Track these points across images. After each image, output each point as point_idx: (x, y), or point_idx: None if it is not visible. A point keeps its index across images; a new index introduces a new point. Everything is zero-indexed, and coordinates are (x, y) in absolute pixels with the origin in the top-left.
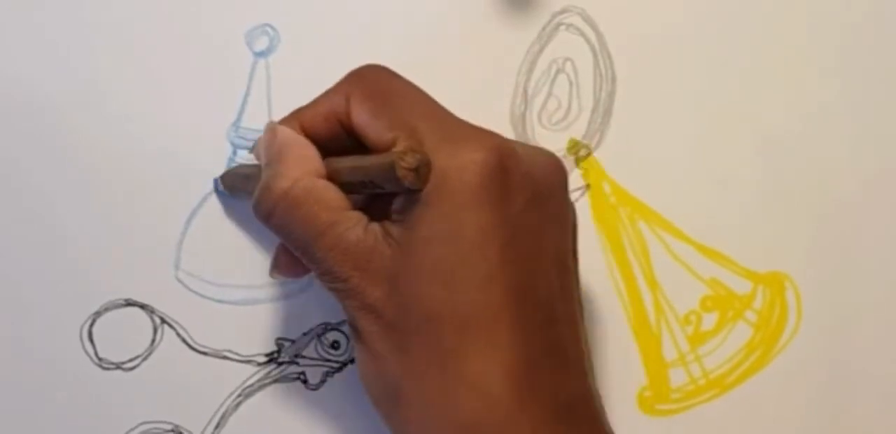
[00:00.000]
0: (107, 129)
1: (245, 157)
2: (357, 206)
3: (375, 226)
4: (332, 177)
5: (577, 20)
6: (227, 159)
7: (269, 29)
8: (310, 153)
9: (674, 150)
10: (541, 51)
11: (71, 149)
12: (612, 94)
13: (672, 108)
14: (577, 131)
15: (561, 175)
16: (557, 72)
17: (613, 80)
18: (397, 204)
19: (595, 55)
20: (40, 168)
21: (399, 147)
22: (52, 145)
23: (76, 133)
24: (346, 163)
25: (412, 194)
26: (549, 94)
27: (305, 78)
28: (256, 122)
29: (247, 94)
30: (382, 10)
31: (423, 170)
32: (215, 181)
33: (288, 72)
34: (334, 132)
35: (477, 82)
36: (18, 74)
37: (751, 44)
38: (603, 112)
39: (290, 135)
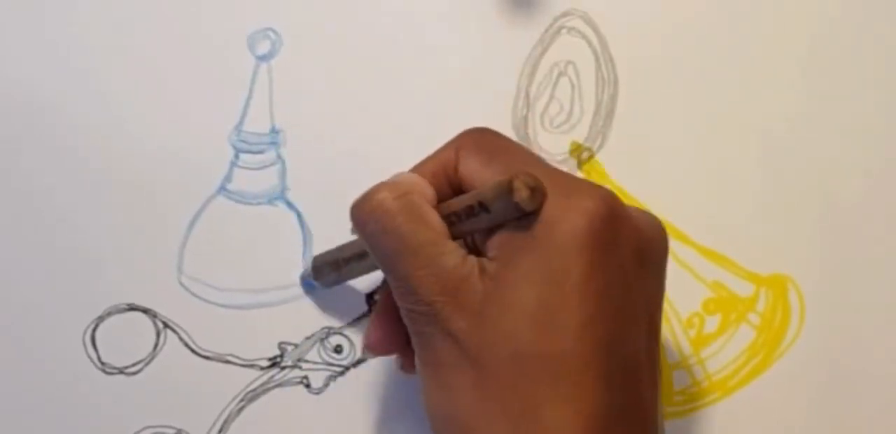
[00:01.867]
0: (109, 134)
1: (247, 161)
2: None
3: (473, 259)
4: (440, 211)
5: (578, 23)
6: (229, 163)
7: (271, 33)
8: (423, 182)
9: (676, 152)
10: (543, 54)
11: (73, 153)
12: (613, 97)
13: (674, 110)
14: (580, 134)
15: (665, 239)
16: (559, 75)
17: (615, 82)
18: (497, 240)
19: (597, 58)
20: (42, 172)
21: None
22: (54, 148)
23: (79, 137)
24: (456, 198)
25: (516, 232)
26: (552, 97)
27: (307, 82)
28: (258, 126)
29: (249, 98)
30: (384, 13)
31: (538, 191)
32: (304, 272)
33: (290, 75)
34: (442, 190)
35: (479, 85)
36: (21, 80)
37: (752, 46)
38: (605, 115)
39: (411, 175)
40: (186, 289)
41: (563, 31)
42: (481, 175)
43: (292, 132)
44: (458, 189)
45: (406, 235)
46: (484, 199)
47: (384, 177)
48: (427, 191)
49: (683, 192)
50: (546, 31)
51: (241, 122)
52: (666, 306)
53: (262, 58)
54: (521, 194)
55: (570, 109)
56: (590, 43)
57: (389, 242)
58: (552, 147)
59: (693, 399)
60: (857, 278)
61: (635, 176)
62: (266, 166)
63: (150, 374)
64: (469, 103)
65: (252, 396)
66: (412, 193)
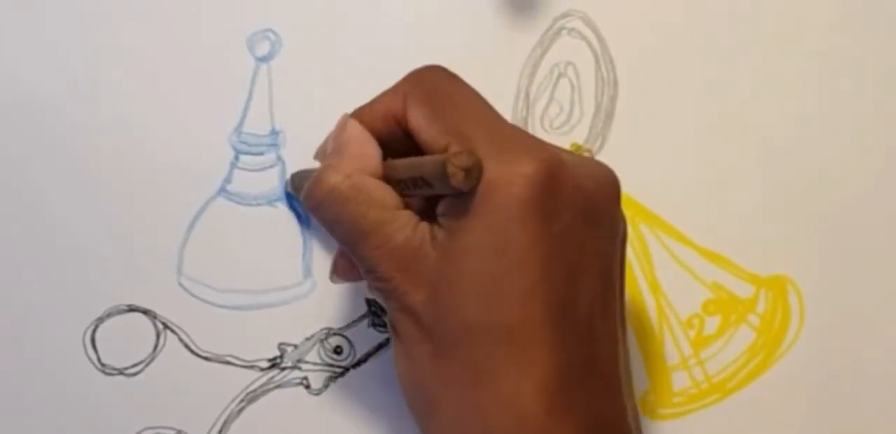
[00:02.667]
0: (109, 135)
1: (247, 163)
2: (411, 208)
3: (425, 227)
4: (387, 174)
5: (578, 24)
6: (229, 164)
7: (270, 34)
8: (369, 151)
9: (675, 153)
10: (542, 55)
11: (73, 154)
12: (613, 99)
13: (674, 111)
14: (579, 135)
15: (613, 188)
16: (559, 76)
17: (615, 84)
18: (443, 207)
19: (597, 59)
20: (42, 173)
21: (453, 149)
22: (54, 150)
23: (78, 139)
24: (402, 161)
25: (460, 200)
26: (551, 98)
27: (307, 82)
28: (258, 128)
29: (248, 99)
30: (384, 14)
31: (474, 171)
32: (284, 182)
33: (289, 77)
34: (392, 131)
35: (479, 86)
36: (20, 81)
37: (752, 47)
38: (605, 116)
39: (357, 131)
40: (186, 290)
41: (563, 32)
42: (427, 132)
43: (292, 133)
44: (408, 131)
45: (357, 219)
46: (424, 175)
47: None
48: (371, 161)
49: (683, 193)
50: (546, 32)
51: (241, 124)
52: (665, 307)
53: (262, 59)
54: (457, 177)
55: (570, 110)
56: (590, 44)
57: (343, 228)
58: None
59: (693, 400)
60: (856, 279)
61: (635, 177)
62: (266, 168)
63: (149, 375)
64: None
65: (252, 397)
66: (353, 175)
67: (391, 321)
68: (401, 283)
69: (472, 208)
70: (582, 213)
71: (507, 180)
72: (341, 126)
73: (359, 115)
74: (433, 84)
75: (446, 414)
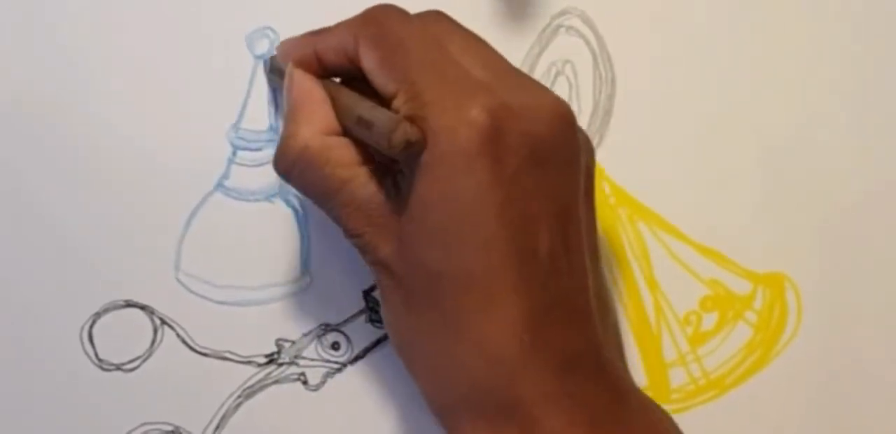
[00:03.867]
0: (108, 131)
1: (245, 158)
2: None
3: (388, 181)
4: (341, 113)
5: (576, 22)
6: (227, 160)
7: (269, 32)
8: (321, 109)
9: (673, 151)
10: (540, 53)
11: (71, 150)
12: (611, 96)
13: (671, 109)
14: None
15: (565, 124)
16: (557, 74)
17: (613, 82)
18: (401, 158)
19: (594, 57)
20: (39, 169)
21: (398, 101)
22: (52, 146)
23: (77, 134)
24: (352, 115)
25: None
26: None
27: None
28: (256, 124)
29: (247, 96)
30: None
31: (414, 144)
32: (265, 62)
33: None
34: (343, 64)
35: None
36: (18, 78)
37: (750, 45)
38: (602, 114)
39: (305, 87)
40: (184, 285)
41: (561, 30)
42: (377, 76)
43: None
44: (360, 67)
45: (323, 181)
46: (374, 139)
47: None
48: (326, 120)
49: (681, 190)
50: (544, 30)
51: (239, 120)
52: (663, 304)
53: (261, 56)
54: (399, 150)
55: None
56: (588, 42)
57: (314, 191)
58: None
59: (690, 396)
60: (854, 276)
61: (633, 175)
62: (264, 163)
63: (147, 370)
64: None
65: (249, 393)
66: (313, 139)
67: (374, 274)
68: (371, 237)
69: (422, 160)
70: (531, 156)
71: (452, 130)
72: (289, 79)
73: (311, 43)
74: (386, 26)
75: (422, 360)
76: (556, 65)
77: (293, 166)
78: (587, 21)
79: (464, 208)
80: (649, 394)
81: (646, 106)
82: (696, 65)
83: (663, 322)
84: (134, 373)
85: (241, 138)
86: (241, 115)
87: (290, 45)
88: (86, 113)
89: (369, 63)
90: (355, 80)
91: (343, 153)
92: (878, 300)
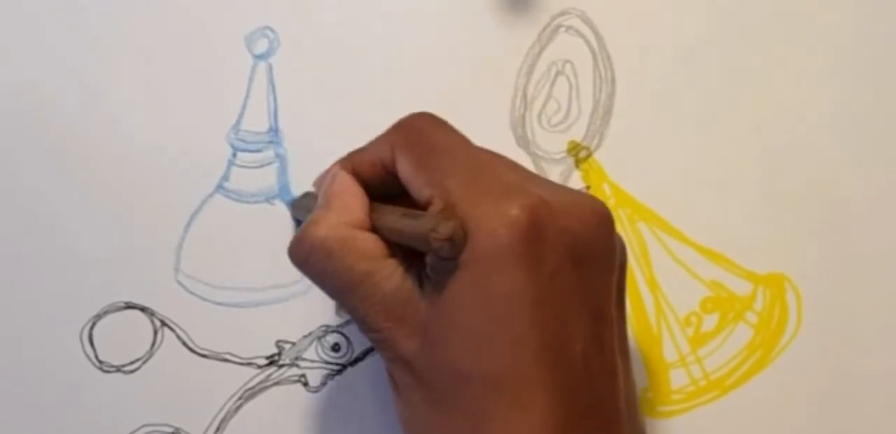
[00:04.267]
0: (107, 132)
1: (245, 160)
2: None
3: (413, 274)
4: (376, 224)
5: (576, 22)
6: (227, 161)
7: (268, 32)
8: (355, 203)
9: (673, 151)
10: (540, 53)
11: (71, 151)
12: (611, 96)
13: (671, 109)
14: (577, 133)
15: (604, 224)
16: (557, 74)
17: (613, 81)
18: (430, 260)
19: (594, 57)
20: (39, 171)
21: (435, 206)
22: (52, 148)
23: (77, 136)
24: (389, 219)
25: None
26: (549, 96)
27: (305, 80)
28: (256, 125)
29: (247, 97)
30: (382, 12)
31: (457, 240)
32: (288, 203)
33: (288, 74)
34: (382, 178)
35: (476, 84)
36: (17, 79)
37: (750, 45)
38: (602, 114)
39: (344, 182)
40: (184, 287)
41: (561, 29)
42: (413, 182)
43: (290, 131)
44: (397, 177)
45: (343, 272)
46: (411, 243)
47: None
48: (357, 213)
49: (681, 191)
50: (544, 29)
51: (238, 121)
52: (663, 305)
53: (260, 56)
54: (441, 250)
55: (568, 108)
56: (587, 42)
57: (330, 281)
58: (550, 146)
59: (690, 398)
60: (854, 277)
61: (633, 175)
62: (264, 165)
63: (147, 372)
64: (466, 102)
65: (249, 395)
66: (337, 228)
67: (387, 369)
68: (392, 332)
69: (457, 260)
70: (570, 254)
71: (490, 230)
72: (332, 176)
73: (353, 159)
74: (419, 132)
75: None
76: (557, 64)
77: (312, 252)
78: (587, 21)
79: (498, 307)
80: (650, 395)
81: (646, 106)
82: (696, 65)
83: (664, 323)
84: (134, 374)
85: (241, 140)
86: (240, 116)
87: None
88: (85, 115)
89: (405, 168)
90: (394, 197)
91: (367, 246)
92: (878, 301)
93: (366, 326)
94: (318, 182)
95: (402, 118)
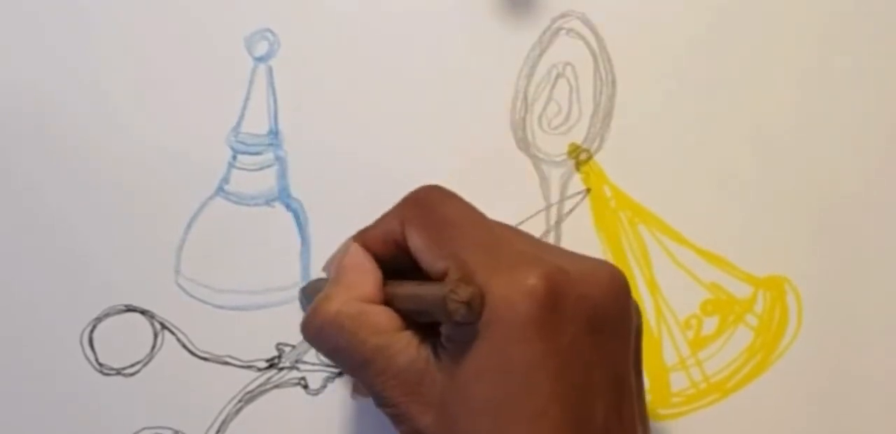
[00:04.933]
0: (107, 134)
1: (245, 162)
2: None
3: (428, 347)
4: (389, 301)
5: (577, 24)
6: (227, 164)
7: (268, 34)
8: (366, 278)
9: (674, 153)
10: (541, 55)
11: (71, 154)
12: (612, 98)
13: (672, 112)
14: (578, 135)
15: (620, 290)
16: (557, 76)
17: (613, 84)
18: (447, 330)
19: (595, 59)
20: (40, 174)
21: (452, 274)
22: (52, 149)
23: (77, 138)
24: (404, 289)
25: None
26: (550, 98)
27: (305, 82)
28: (256, 127)
29: (247, 99)
30: (382, 14)
31: (475, 304)
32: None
33: (288, 76)
34: (393, 253)
35: (477, 87)
36: (19, 81)
37: (750, 48)
38: (603, 116)
39: (357, 257)
40: (184, 290)
41: (562, 32)
42: (426, 256)
43: (290, 133)
44: (408, 252)
45: (356, 347)
46: (428, 310)
47: (382, 178)
48: (368, 287)
49: (681, 193)
50: (544, 32)
51: (239, 124)
52: (663, 307)
53: (260, 59)
54: (458, 312)
55: (569, 111)
56: (588, 44)
57: (343, 357)
58: (550, 148)
59: (691, 400)
60: (854, 280)
61: (633, 177)
62: (264, 167)
63: (147, 375)
64: (467, 104)
65: (250, 397)
66: (349, 303)
67: None
68: (408, 407)
69: (475, 330)
70: (588, 322)
71: (508, 300)
72: (344, 251)
73: (364, 235)
74: (429, 206)
75: None
76: (557, 67)
77: (324, 328)
78: (588, 23)
79: (518, 380)
80: (650, 398)
81: (646, 108)
82: (696, 67)
83: (664, 326)
84: (134, 377)
85: (241, 142)
86: (240, 118)
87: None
88: (85, 116)
89: (416, 243)
90: (405, 273)
91: (380, 320)
92: (879, 303)
93: (382, 401)
94: (328, 265)
95: (410, 192)
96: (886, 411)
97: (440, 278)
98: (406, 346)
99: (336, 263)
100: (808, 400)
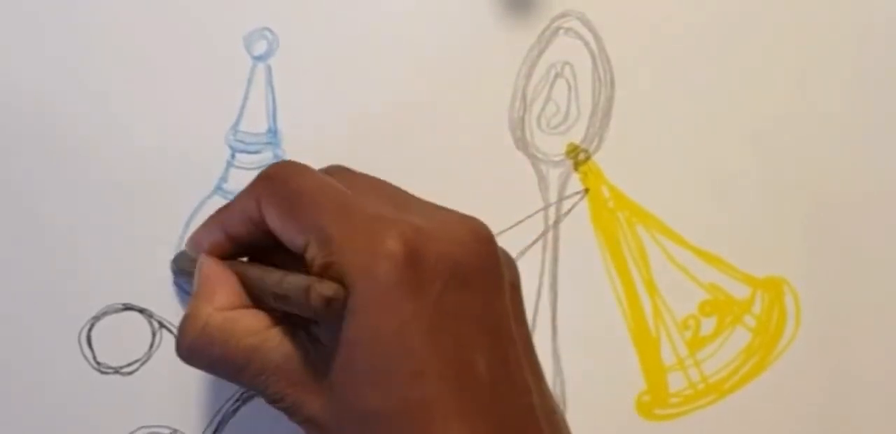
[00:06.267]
0: (106, 134)
1: (243, 161)
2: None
3: (302, 334)
4: (256, 296)
5: (576, 24)
6: (226, 163)
7: (267, 33)
8: (223, 287)
9: (672, 154)
10: (540, 55)
11: (70, 152)
12: (610, 99)
13: (670, 112)
14: (576, 135)
15: (484, 244)
16: (556, 76)
17: (612, 84)
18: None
19: (594, 59)
20: (38, 172)
21: (309, 254)
22: (49, 148)
23: (75, 137)
24: (267, 281)
25: None
26: (548, 98)
27: (304, 81)
28: (255, 126)
29: (245, 98)
30: (381, 13)
31: (335, 299)
32: (171, 262)
33: (287, 75)
34: (253, 233)
35: (476, 86)
36: (16, 80)
37: (749, 48)
38: (602, 116)
39: (208, 268)
40: (182, 289)
41: (561, 32)
42: (285, 232)
43: (289, 132)
44: (271, 233)
45: (231, 355)
46: (293, 308)
47: (380, 177)
48: (228, 297)
49: (680, 193)
50: (543, 32)
51: (237, 122)
52: (662, 308)
53: (259, 58)
54: (320, 310)
55: (567, 110)
56: (587, 44)
57: (223, 368)
58: (549, 148)
59: (689, 401)
60: (852, 280)
61: (632, 177)
62: (262, 166)
63: (145, 374)
64: (466, 104)
65: (247, 397)
66: (212, 315)
67: (303, 431)
68: (296, 396)
69: (342, 306)
70: (453, 278)
71: (367, 268)
72: (199, 265)
73: (221, 220)
74: (281, 180)
75: None
76: (556, 66)
77: (193, 347)
78: (586, 23)
79: (391, 343)
80: (648, 398)
81: (645, 108)
82: (696, 67)
83: (662, 326)
84: (132, 376)
85: (240, 141)
86: (239, 117)
87: (198, 236)
88: (84, 115)
89: (273, 220)
90: (272, 250)
91: (249, 322)
92: (876, 303)
93: (270, 398)
94: (189, 242)
95: (262, 170)
96: (884, 412)
97: (302, 253)
98: (280, 341)
99: (195, 277)
100: (806, 401)
